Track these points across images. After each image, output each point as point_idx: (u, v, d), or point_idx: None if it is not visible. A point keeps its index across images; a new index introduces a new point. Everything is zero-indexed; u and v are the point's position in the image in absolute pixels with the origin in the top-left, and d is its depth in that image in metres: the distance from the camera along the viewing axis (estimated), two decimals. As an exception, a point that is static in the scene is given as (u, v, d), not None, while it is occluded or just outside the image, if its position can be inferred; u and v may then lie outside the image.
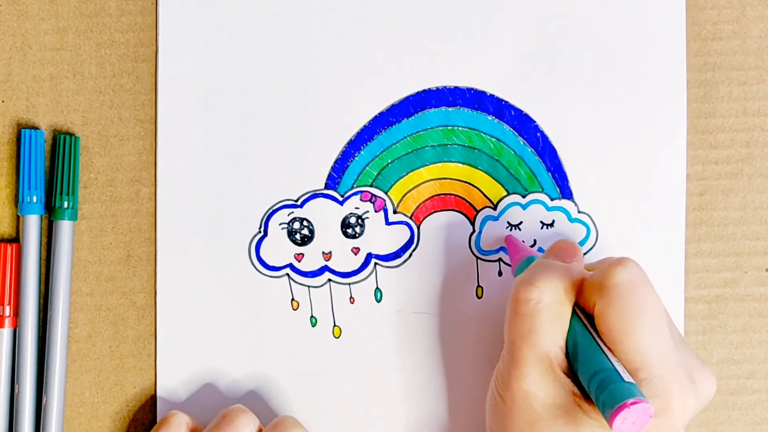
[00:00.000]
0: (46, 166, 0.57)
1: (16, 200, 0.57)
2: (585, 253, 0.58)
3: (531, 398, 0.50)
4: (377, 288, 0.58)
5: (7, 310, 0.56)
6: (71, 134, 0.57)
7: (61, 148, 0.56)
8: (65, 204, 0.56)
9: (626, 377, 0.47)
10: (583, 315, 0.51)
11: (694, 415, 0.51)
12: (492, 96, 0.58)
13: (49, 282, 0.57)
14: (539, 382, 0.50)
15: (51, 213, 0.57)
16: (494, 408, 0.52)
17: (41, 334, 0.57)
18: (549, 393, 0.50)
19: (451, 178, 0.58)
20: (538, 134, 0.58)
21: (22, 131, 0.56)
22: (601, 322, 0.50)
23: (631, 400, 0.46)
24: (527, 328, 0.50)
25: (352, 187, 0.58)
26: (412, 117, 0.58)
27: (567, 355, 0.51)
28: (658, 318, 0.50)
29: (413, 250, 0.58)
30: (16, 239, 0.57)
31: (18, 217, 0.57)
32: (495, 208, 0.58)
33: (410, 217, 0.58)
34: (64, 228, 0.56)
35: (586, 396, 0.49)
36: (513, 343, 0.51)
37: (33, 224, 0.56)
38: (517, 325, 0.51)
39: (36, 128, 0.57)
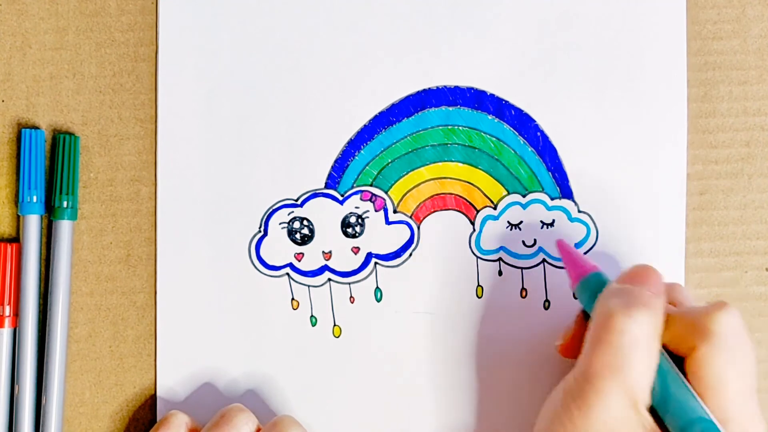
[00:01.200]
0: (46, 165, 0.57)
1: (16, 200, 0.57)
2: (585, 253, 0.58)
3: (608, 430, 0.48)
4: (377, 287, 0.58)
5: (7, 310, 0.56)
6: (71, 134, 0.57)
7: (61, 148, 0.56)
8: (65, 204, 0.56)
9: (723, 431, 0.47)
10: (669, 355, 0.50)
11: None
12: (492, 95, 0.58)
13: (49, 282, 0.57)
14: (623, 418, 0.48)
15: (51, 213, 0.57)
16: (560, 421, 0.50)
17: (41, 334, 0.57)
18: (629, 429, 0.48)
19: (451, 178, 0.58)
20: (539, 134, 0.58)
21: (22, 131, 0.56)
22: (700, 368, 0.48)
23: None
24: (618, 362, 0.48)
25: (352, 187, 0.58)
26: (413, 116, 0.58)
27: (651, 397, 0.49)
28: (753, 367, 0.49)
29: (413, 250, 0.58)
30: (16, 239, 0.57)
31: (18, 216, 0.57)
32: (495, 208, 0.58)
33: (410, 217, 0.58)
34: (64, 228, 0.56)
35: None
36: (597, 372, 0.48)
37: (33, 224, 0.56)
38: (606, 355, 0.48)
39: (36, 128, 0.57)
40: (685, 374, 0.49)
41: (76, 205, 0.57)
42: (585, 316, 0.53)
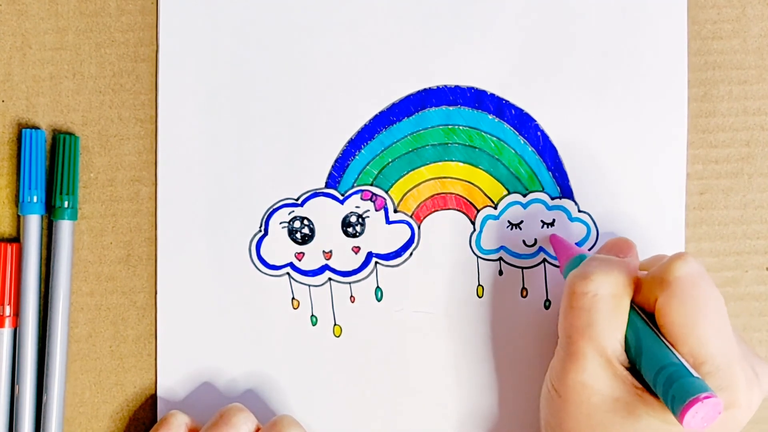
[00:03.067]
0: (46, 165, 0.57)
1: (17, 200, 0.57)
2: (586, 253, 0.58)
3: (589, 391, 0.50)
4: (378, 287, 0.58)
5: (8, 310, 0.56)
6: (71, 134, 0.57)
7: (61, 148, 0.56)
8: (65, 204, 0.56)
9: (694, 373, 0.47)
10: (642, 313, 0.51)
11: (756, 410, 0.50)
12: (492, 95, 0.58)
13: (49, 282, 0.57)
14: (597, 374, 0.50)
15: (51, 213, 0.56)
16: (550, 403, 0.52)
17: (42, 334, 0.57)
18: (607, 385, 0.50)
19: (451, 177, 0.58)
20: (539, 133, 0.58)
21: (23, 131, 0.56)
22: (663, 317, 0.49)
23: (703, 395, 0.45)
24: (584, 322, 0.50)
25: (353, 186, 0.58)
26: (413, 116, 0.58)
27: (627, 349, 0.50)
28: (720, 311, 0.50)
29: (414, 249, 0.58)
30: (16, 239, 0.57)
31: (19, 216, 0.57)
32: (495, 207, 0.58)
33: (411, 216, 0.58)
34: (64, 228, 0.56)
35: (647, 390, 0.49)
36: (569, 336, 0.51)
37: (34, 224, 0.56)
38: (573, 319, 0.51)
39: (36, 128, 0.57)
40: (658, 329, 0.50)
41: (77, 205, 0.57)
42: None
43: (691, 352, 0.49)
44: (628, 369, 0.50)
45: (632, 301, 0.51)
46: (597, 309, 0.50)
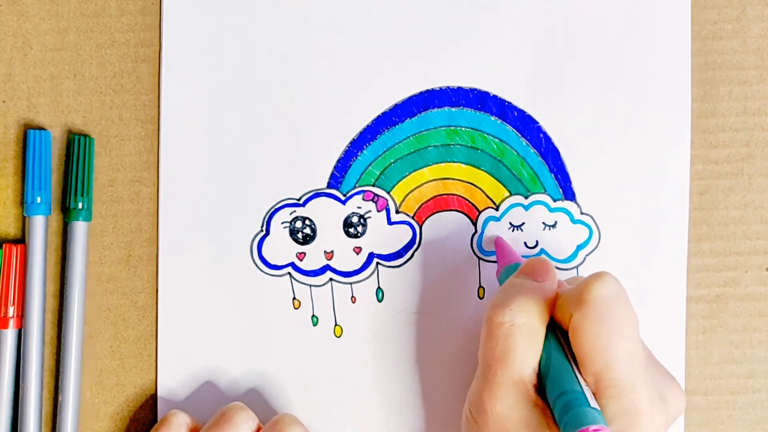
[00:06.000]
0: (52, 166, 0.57)
1: (21, 201, 0.57)
2: (587, 255, 0.58)
3: (504, 420, 0.49)
4: (379, 287, 0.58)
5: (12, 311, 0.56)
6: (86, 135, 0.57)
7: (76, 149, 0.56)
8: (80, 205, 0.56)
9: (592, 402, 0.47)
10: (559, 331, 0.51)
11: None
12: (495, 96, 0.58)
13: (64, 283, 0.57)
14: (513, 404, 0.49)
15: (65, 214, 0.57)
16: (467, 428, 0.52)
17: (53, 334, 0.57)
18: (522, 415, 0.49)
19: (453, 179, 0.58)
20: (541, 135, 0.58)
21: (28, 131, 0.56)
22: (575, 336, 0.49)
23: (593, 427, 0.45)
24: (501, 351, 0.50)
25: (355, 187, 0.58)
26: (415, 117, 0.58)
27: (539, 374, 0.50)
28: (633, 335, 0.49)
29: (415, 250, 0.58)
30: (21, 240, 0.57)
31: (24, 218, 0.57)
32: (497, 209, 0.58)
33: (412, 217, 0.58)
34: (79, 229, 0.56)
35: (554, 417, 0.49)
36: (488, 366, 0.50)
37: (39, 225, 0.56)
38: (492, 348, 0.50)
39: (38, 128, 0.57)
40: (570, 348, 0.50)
41: (91, 206, 0.57)
42: None
43: (596, 374, 0.48)
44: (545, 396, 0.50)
45: (553, 320, 0.51)
46: (514, 338, 0.50)
